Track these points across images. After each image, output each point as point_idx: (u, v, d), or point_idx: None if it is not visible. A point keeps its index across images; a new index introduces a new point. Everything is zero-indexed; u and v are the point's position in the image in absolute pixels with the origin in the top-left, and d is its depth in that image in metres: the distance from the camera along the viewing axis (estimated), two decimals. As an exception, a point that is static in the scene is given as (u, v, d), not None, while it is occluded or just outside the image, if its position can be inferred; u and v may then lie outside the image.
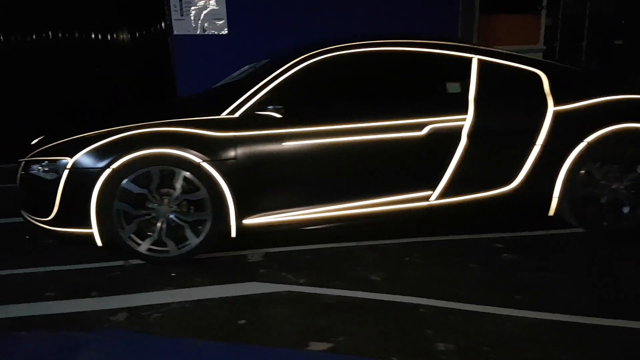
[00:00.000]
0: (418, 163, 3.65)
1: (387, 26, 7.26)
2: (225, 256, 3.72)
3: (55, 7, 6.85)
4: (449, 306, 2.95)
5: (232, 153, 3.49)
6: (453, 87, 3.79)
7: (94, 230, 3.49)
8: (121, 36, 7.16)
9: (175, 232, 3.58)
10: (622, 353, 2.48)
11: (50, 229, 3.58)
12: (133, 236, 3.53)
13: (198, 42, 7.05)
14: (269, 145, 3.53)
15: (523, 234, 3.95)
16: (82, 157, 3.45)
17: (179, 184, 3.48)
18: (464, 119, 3.62)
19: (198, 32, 7.08)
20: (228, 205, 3.53)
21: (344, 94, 3.79)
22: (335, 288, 3.21)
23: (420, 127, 3.60)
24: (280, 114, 3.51)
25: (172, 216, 3.55)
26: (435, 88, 3.85)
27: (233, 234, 3.61)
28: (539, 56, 8.21)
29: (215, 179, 3.48)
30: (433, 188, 3.67)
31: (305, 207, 3.64)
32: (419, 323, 2.78)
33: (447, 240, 3.87)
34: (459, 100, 3.68)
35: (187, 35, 7.05)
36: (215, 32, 7.12)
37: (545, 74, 3.79)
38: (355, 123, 3.59)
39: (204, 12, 7.06)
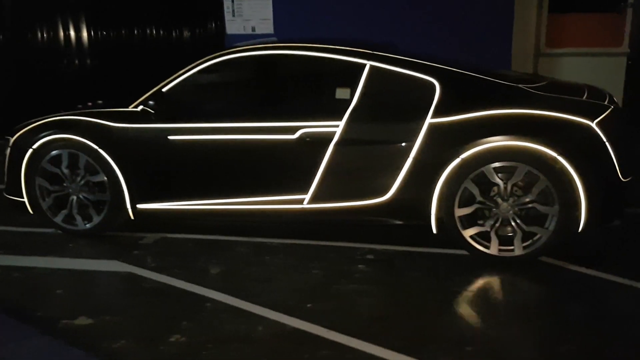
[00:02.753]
0: (291, 166, 3.70)
1: (434, 25, 7.00)
2: (127, 236, 4.14)
3: (133, 7, 7.84)
4: (232, 303, 3.05)
5: (123, 143, 3.90)
6: (342, 93, 3.74)
7: (25, 200, 4.16)
8: (183, 34, 7.95)
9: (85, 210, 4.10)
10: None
11: (6, 196, 4.34)
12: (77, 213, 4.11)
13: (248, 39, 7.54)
14: (154, 139, 3.87)
15: (404, 248, 3.76)
16: (18, 138, 4.14)
17: (81, 167, 3.99)
18: (337, 126, 3.58)
19: (248, 32, 7.58)
20: (123, 189, 3.95)
21: (232, 95, 3.98)
22: (169, 275, 3.46)
23: (293, 130, 3.64)
24: (154, 110, 3.82)
25: (81, 195, 4.07)
26: (321, 93, 3.84)
27: (131, 216, 4.02)
28: (621, 61, 7.28)
29: (111, 165, 3.92)
30: (305, 192, 3.69)
31: (191, 199, 3.91)
32: (193, 313, 2.98)
33: (320, 245, 3.84)
34: (337, 107, 3.64)
35: (238, 34, 7.58)
36: (263, 32, 7.55)
37: (440, 83, 3.56)
38: (234, 122, 3.76)
39: (253, 13, 7.53)
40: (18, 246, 4.02)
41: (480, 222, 3.43)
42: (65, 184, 4.08)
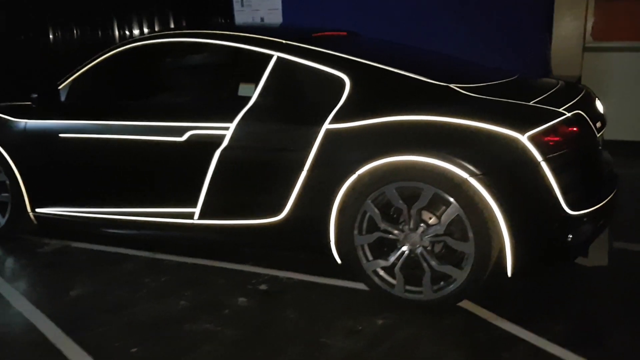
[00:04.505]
0: (180, 174, 3.20)
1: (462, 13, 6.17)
2: (33, 240, 3.82)
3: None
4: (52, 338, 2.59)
5: (20, 139, 3.58)
6: (246, 90, 3.17)
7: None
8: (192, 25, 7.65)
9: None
10: None
11: None
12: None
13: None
14: (45, 136, 3.51)
15: (312, 278, 3.13)
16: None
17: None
18: (227, 129, 3.02)
19: (257, 23, 7.13)
20: (22, 191, 3.63)
21: (129, 89, 3.52)
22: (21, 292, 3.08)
23: (181, 131, 3.13)
24: (34, 104, 3.44)
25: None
26: (222, 88, 3.29)
27: (33, 220, 3.70)
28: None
29: (10, 164, 3.62)
30: (195, 205, 3.17)
31: (84, 206, 3.52)
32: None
33: (217, 267, 3.32)
34: (234, 106, 3.08)
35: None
36: (272, 23, 7.08)
37: (351, 80, 2.89)
38: (123, 120, 3.31)
39: (261, 3, 7.06)
40: None
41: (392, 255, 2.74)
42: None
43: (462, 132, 2.56)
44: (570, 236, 2.57)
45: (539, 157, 2.46)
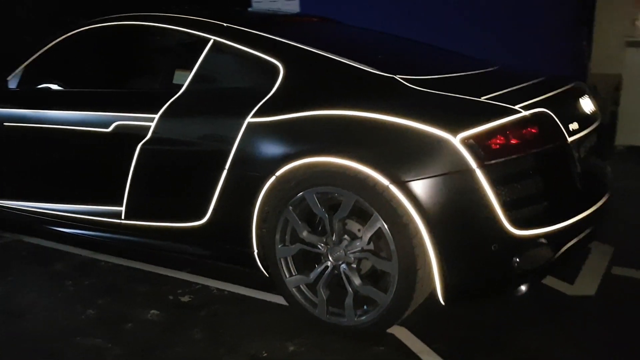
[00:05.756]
0: (106, 169, 2.95)
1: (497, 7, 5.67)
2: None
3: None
4: None
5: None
6: (182, 77, 2.88)
7: None
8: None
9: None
10: None
11: None
12: None
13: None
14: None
15: (247, 291, 2.80)
16: None
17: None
18: (151, 120, 2.74)
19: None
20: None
21: (66, 76, 3.29)
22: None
23: (108, 122, 2.88)
24: None
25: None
26: (155, 75, 3.01)
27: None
28: None
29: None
30: (121, 204, 2.91)
31: (24, 200, 3.34)
32: None
33: (149, 272, 3.06)
34: (163, 96, 2.79)
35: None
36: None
37: (285, 67, 2.54)
38: (57, 109, 3.10)
39: (278, -7, 6.80)
40: None
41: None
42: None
43: (388, 131, 2.15)
44: (517, 260, 2.11)
45: (472, 163, 2.02)
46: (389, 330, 2.37)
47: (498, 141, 2.08)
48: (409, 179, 2.07)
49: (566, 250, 2.28)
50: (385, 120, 2.15)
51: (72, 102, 3.07)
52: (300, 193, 2.31)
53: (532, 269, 2.19)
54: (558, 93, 2.46)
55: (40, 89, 3.23)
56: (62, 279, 2.99)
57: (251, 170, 2.43)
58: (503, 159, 2.08)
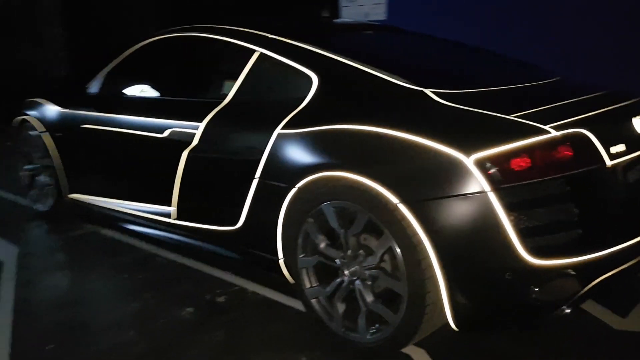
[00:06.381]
0: (159, 172, 3.15)
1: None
2: (74, 223, 4.06)
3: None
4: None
5: (59, 128, 3.83)
6: (230, 87, 3.02)
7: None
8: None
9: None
10: None
11: None
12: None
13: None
14: (73, 125, 3.70)
15: (280, 297, 2.86)
16: None
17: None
18: (197, 128, 2.91)
19: (361, 19, 6.92)
20: (60, 176, 3.91)
21: (133, 84, 3.53)
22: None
23: (163, 128, 3.09)
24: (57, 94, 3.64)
25: (42, 177, 4.14)
26: (210, 84, 3.15)
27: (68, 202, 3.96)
28: None
29: (52, 151, 3.91)
30: (171, 204, 3.11)
31: (100, 196, 3.65)
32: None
33: (194, 269, 3.21)
34: (211, 105, 2.95)
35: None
36: (375, 18, 6.82)
37: (319, 79, 2.59)
38: (122, 114, 3.37)
39: (367, -2, 6.83)
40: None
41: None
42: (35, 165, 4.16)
43: (403, 148, 2.11)
44: (536, 291, 1.98)
45: (486, 186, 1.92)
46: (406, 351, 2.31)
47: (518, 163, 1.96)
48: (418, 199, 2.02)
49: (602, 282, 2.09)
50: (401, 137, 2.10)
51: (135, 107, 3.29)
52: (320, 206, 2.31)
53: (556, 301, 2.04)
54: (606, 111, 2.26)
55: (110, 95, 3.49)
56: (122, 271, 3.23)
57: (277, 180, 2.48)
58: (523, 183, 1.95)
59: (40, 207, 4.17)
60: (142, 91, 3.35)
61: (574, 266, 1.99)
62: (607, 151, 2.11)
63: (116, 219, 3.55)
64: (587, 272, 2.03)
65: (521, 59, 3.19)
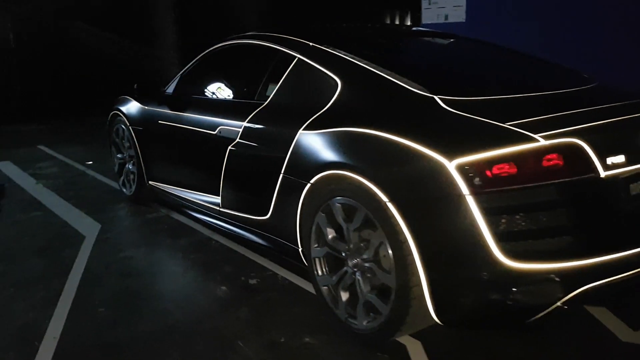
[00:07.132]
0: (211, 165, 3.50)
1: None
2: (152, 207, 4.59)
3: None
4: None
5: (140, 123, 4.36)
6: (272, 90, 3.33)
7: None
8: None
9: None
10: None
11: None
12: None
13: (439, 29, 6.97)
14: (152, 121, 4.19)
15: (304, 283, 3.11)
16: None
17: (126, 139, 4.62)
18: (240, 127, 3.26)
19: (441, 21, 7.00)
20: (142, 165, 4.45)
21: (201, 86, 3.93)
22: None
23: (215, 126, 3.47)
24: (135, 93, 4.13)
25: (129, 166, 4.72)
26: (256, 87, 3.47)
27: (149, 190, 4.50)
28: None
29: (134, 143, 4.46)
30: (218, 195, 3.48)
31: (169, 184, 4.13)
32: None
33: (238, 253, 3.56)
34: (254, 105, 3.28)
35: (432, 23, 7.08)
36: (455, 20, 6.87)
37: (343, 83, 2.83)
38: (184, 112, 3.79)
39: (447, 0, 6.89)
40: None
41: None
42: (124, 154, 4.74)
43: (398, 151, 2.28)
44: (515, 292, 2.08)
45: (464, 189, 2.05)
46: (403, 342, 2.47)
47: (501, 169, 2.06)
48: (405, 199, 2.18)
49: (592, 290, 2.14)
50: (397, 141, 2.27)
51: (197, 107, 3.69)
52: (328, 201, 2.54)
53: (537, 305, 2.12)
54: (611, 122, 2.28)
55: (180, 95, 3.93)
56: (179, 251, 3.64)
57: (297, 176, 2.73)
58: (504, 188, 2.05)
59: (127, 191, 4.73)
60: (219, 88, 3.73)
61: (557, 272, 2.05)
62: (603, 162, 2.13)
63: (182, 206, 3.98)
64: (572, 279, 2.08)
65: (583, 63, 3.15)
